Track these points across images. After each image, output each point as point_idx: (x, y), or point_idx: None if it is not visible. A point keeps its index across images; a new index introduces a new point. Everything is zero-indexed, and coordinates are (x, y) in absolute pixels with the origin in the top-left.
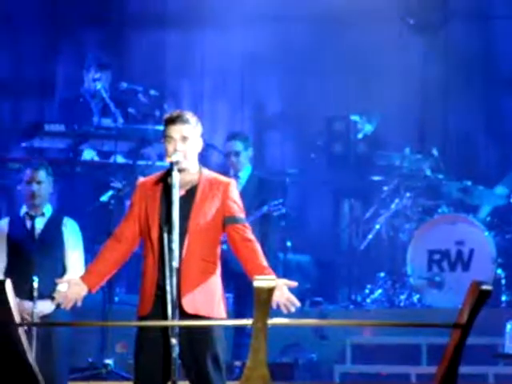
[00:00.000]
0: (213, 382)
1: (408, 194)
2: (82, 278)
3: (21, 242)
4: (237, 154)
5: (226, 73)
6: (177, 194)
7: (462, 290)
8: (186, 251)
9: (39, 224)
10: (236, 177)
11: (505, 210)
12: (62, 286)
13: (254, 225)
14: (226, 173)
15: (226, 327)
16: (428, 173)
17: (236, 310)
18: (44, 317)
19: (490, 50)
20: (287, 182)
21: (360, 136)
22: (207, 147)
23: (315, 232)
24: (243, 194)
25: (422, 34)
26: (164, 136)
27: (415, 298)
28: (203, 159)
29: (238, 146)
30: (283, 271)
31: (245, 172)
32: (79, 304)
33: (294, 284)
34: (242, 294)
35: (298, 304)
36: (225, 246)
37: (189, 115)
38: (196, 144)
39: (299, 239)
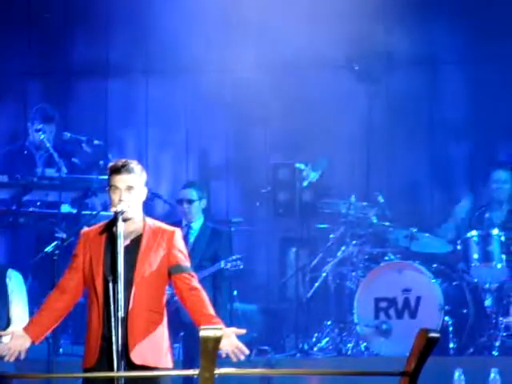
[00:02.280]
0: None
1: (354, 242)
2: (25, 329)
3: None
4: (189, 201)
5: (171, 121)
6: (121, 244)
7: (410, 337)
8: (133, 301)
9: None
10: (188, 227)
11: (451, 257)
12: (5, 338)
13: (206, 278)
14: (172, 222)
15: (175, 377)
16: (374, 220)
17: (185, 360)
18: None
19: (434, 96)
20: (232, 231)
21: (305, 184)
22: (152, 196)
23: (261, 280)
24: (196, 244)
25: (367, 80)
26: (108, 185)
27: (362, 346)
28: (148, 208)
29: (192, 194)
30: (230, 320)
31: (197, 222)
32: (23, 356)
33: (242, 331)
34: (192, 344)
35: (247, 352)
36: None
37: (133, 164)
38: (141, 193)
39: (245, 288)
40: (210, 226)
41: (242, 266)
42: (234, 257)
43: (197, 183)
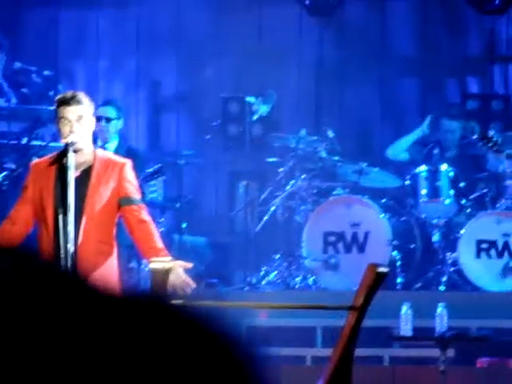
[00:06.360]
0: None
1: (303, 176)
2: None
3: None
4: (108, 120)
5: (121, 52)
6: (72, 176)
7: (358, 272)
8: (83, 233)
9: None
10: (103, 148)
11: (400, 192)
12: None
13: None
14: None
15: None
16: (323, 154)
17: None
18: None
19: (385, 30)
20: (182, 164)
21: (255, 117)
22: None
23: (210, 214)
24: None
25: (317, 14)
26: (58, 117)
27: (310, 280)
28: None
29: (111, 112)
30: (178, 253)
31: (112, 143)
32: None
33: (190, 265)
34: None
35: (194, 285)
36: None
37: (81, 95)
38: (90, 124)
39: (194, 221)
40: (126, 146)
41: (164, 177)
42: (151, 169)
43: (116, 101)
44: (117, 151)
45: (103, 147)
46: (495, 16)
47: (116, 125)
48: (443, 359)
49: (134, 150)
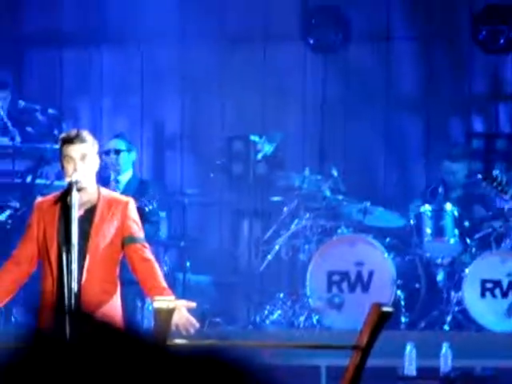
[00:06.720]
0: None
1: (307, 215)
2: None
3: None
4: (117, 152)
5: (126, 90)
6: (76, 214)
7: (362, 311)
8: (87, 272)
9: None
10: (116, 181)
11: (405, 231)
12: None
13: None
14: (100, 178)
15: None
16: (327, 193)
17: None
18: None
19: (390, 70)
20: (186, 202)
21: (259, 156)
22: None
23: (214, 252)
24: None
25: (322, 53)
26: (62, 155)
27: (315, 319)
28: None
29: (120, 144)
30: (182, 291)
31: (125, 175)
32: None
33: (193, 305)
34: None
35: (197, 325)
36: None
37: (85, 133)
38: (94, 163)
39: (198, 259)
40: (138, 178)
41: (151, 207)
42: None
43: (126, 135)
44: (130, 183)
45: (116, 179)
46: (500, 55)
47: (127, 157)
48: None
49: (146, 182)
